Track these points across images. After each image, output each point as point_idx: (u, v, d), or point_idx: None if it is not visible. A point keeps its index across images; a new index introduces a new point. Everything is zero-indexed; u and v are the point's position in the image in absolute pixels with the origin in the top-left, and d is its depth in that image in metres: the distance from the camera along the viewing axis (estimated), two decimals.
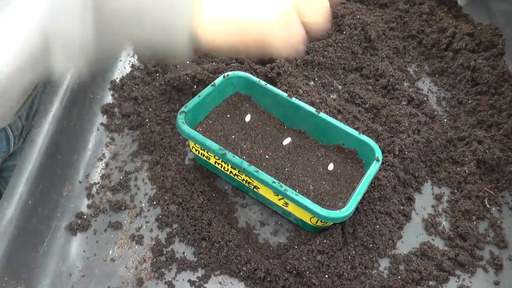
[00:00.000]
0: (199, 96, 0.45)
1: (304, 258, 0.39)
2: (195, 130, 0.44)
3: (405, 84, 0.59)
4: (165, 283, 0.38)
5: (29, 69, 0.23)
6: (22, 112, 0.49)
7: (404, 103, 0.55)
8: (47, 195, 0.40)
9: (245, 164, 0.40)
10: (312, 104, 0.51)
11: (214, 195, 0.45)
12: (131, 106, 0.50)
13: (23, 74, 0.23)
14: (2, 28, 0.21)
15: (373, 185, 0.45)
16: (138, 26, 0.26)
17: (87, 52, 0.24)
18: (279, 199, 0.41)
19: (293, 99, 0.47)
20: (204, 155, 0.44)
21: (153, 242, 0.41)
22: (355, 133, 0.44)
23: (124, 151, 0.48)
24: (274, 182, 0.38)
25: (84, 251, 0.40)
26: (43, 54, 0.23)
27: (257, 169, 0.39)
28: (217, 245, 0.40)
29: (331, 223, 0.40)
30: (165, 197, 0.43)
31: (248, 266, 0.39)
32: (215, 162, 0.43)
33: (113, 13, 0.24)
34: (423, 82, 0.61)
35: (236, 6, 0.27)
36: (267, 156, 0.45)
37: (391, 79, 0.57)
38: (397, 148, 0.48)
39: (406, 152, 0.48)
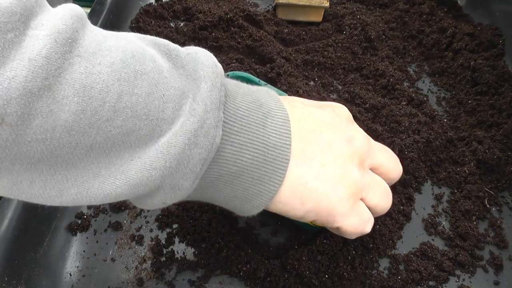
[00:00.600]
0: None
1: (304, 258, 0.39)
2: None
3: (405, 84, 0.59)
4: (165, 283, 0.38)
5: (127, 198, 0.26)
6: None
7: (404, 103, 0.55)
8: None
9: None
10: None
11: None
12: None
13: (121, 199, 0.26)
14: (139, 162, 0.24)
15: None
16: (226, 189, 0.29)
17: (178, 199, 0.28)
18: None
19: None
20: None
21: (153, 242, 0.41)
22: None
23: None
24: None
25: (84, 251, 0.40)
26: (147, 194, 0.26)
27: None
28: (217, 245, 0.40)
29: None
30: None
31: (248, 266, 0.39)
32: None
33: (212, 178, 0.28)
34: (423, 82, 0.61)
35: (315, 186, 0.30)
36: None
37: (391, 79, 0.57)
38: (397, 148, 0.48)
39: (406, 152, 0.48)
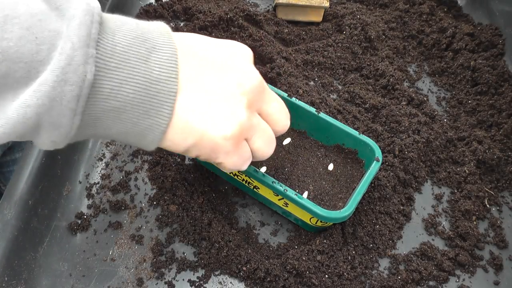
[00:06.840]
0: None
1: (304, 258, 0.39)
2: None
3: (405, 84, 0.59)
4: (165, 283, 0.38)
5: (14, 137, 0.27)
6: None
7: (404, 103, 0.55)
8: (47, 195, 0.40)
9: None
10: (312, 104, 0.51)
11: (214, 195, 0.45)
12: None
13: (6, 139, 0.27)
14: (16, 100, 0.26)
15: (373, 185, 0.45)
16: (116, 125, 0.29)
17: (66, 140, 0.28)
18: (279, 199, 0.41)
19: (293, 99, 0.47)
20: None
21: (153, 242, 0.41)
22: (355, 133, 0.44)
23: (124, 151, 0.48)
24: (274, 182, 0.38)
25: (84, 251, 0.40)
26: (31, 132, 0.27)
27: (257, 169, 0.39)
28: (217, 245, 0.40)
29: (331, 223, 0.40)
30: (165, 197, 0.43)
31: (248, 266, 0.39)
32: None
33: (97, 114, 0.28)
34: (423, 82, 0.61)
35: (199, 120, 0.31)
36: None
37: (391, 79, 0.57)
38: (397, 148, 0.48)
39: (406, 152, 0.48)
